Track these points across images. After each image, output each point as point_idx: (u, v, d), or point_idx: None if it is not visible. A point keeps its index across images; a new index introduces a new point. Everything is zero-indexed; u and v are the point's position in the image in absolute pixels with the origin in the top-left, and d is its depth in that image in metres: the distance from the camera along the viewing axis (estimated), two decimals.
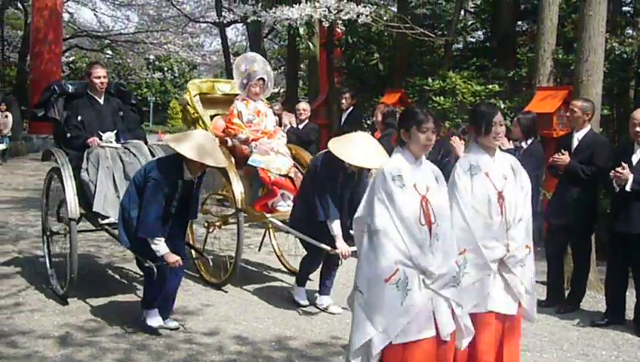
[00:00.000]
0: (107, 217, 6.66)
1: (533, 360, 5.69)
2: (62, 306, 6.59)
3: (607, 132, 11.14)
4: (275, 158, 7.53)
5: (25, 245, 9.23)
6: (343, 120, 10.81)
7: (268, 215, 7.37)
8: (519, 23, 16.06)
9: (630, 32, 13.92)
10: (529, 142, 7.43)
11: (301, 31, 12.98)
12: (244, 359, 5.46)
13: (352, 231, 6.62)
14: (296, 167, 7.72)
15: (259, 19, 12.45)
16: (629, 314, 6.69)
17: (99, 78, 7.20)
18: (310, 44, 15.11)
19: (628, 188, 6.21)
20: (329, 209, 6.33)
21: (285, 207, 7.45)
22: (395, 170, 4.06)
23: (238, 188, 7.33)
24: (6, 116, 21.70)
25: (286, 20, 11.88)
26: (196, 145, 5.72)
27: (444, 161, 7.56)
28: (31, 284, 7.31)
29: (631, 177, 6.20)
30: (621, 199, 6.34)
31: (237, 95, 8.02)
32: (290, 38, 18.24)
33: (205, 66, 43.02)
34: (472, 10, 18.43)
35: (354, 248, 6.05)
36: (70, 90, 7.50)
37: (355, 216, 4.26)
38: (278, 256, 8.61)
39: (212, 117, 8.23)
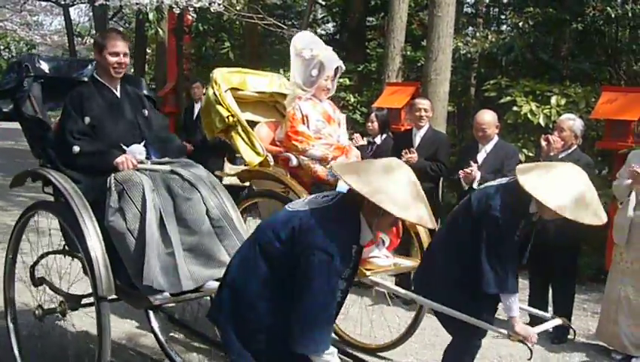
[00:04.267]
0: (160, 291, 4.00)
1: None
2: None
3: (451, 128, 11.55)
4: None
5: None
6: (196, 111, 10.54)
7: (367, 271, 5.01)
8: (369, 18, 16.38)
9: (471, 30, 14.54)
10: (383, 137, 7.58)
11: (150, 16, 12.58)
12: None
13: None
14: None
15: (107, 3, 11.99)
16: None
17: (117, 55, 4.49)
18: (159, 29, 14.74)
19: (475, 186, 6.46)
20: (508, 278, 4.08)
21: (384, 259, 5.21)
22: None
23: None
24: None
25: (135, 5, 11.50)
26: (396, 188, 3.21)
27: None
28: None
29: (478, 175, 6.44)
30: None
31: (273, 94, 5.81)
32: (139, 22, 17.77)
33: (45, 46, 41.05)
34: (324, 2, 18.61)
35: (539, 328, 4.34)
36: (48, 71, 4.89)
37: None
38: None
39: None
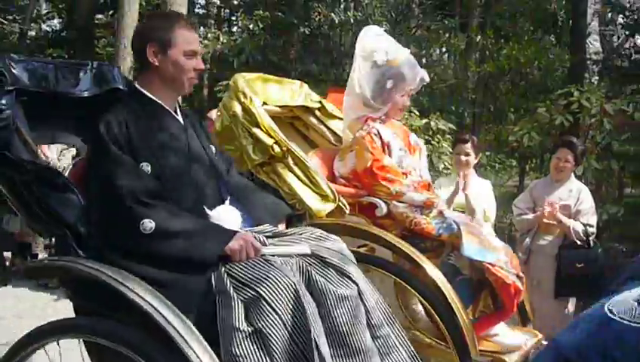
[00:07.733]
0: None
1: None
2: None
3: None
4: (496, 242, 3.64)
5: None
6: None
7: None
8: (98, 15, 15.92)
9: (202, 31, 14.68)
10: None
11: None
12: None
13: None
14: None
15: None
16: None
17: (194, 55, 2.72)
18: None
19: None
20: None
21: (509, 338, 3.65)
22: None
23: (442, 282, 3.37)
24: None
25: None
26: None
27: None
28: None
29: None
30: None
31: (293, 108, 4.13)
32: None
33: None
34: None
35: None
36: (28, 82, 2.65)
37: None
38: None
39: None
